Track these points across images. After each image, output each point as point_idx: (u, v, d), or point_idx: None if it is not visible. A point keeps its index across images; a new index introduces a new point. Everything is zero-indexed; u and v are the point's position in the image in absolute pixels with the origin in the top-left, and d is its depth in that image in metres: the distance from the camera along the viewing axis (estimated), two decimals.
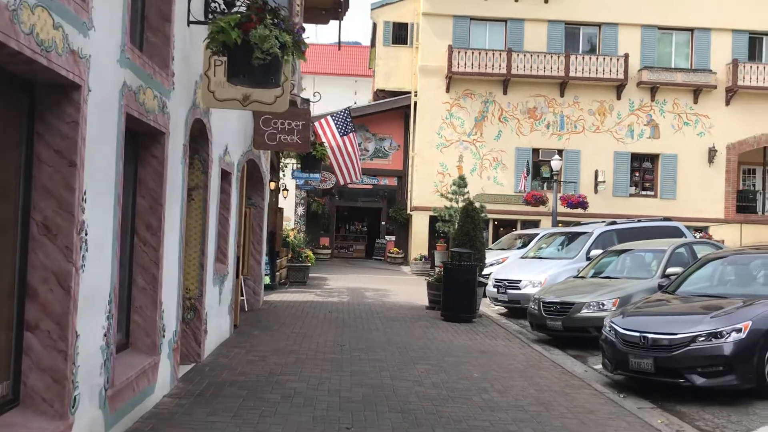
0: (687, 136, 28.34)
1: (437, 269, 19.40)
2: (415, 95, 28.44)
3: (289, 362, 8.49)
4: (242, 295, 13.04)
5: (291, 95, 11.06)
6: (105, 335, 4.87)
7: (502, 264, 17.81)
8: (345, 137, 15.26)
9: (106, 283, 4.85)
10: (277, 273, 18.21)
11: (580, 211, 26.64)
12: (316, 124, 15.79)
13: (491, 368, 8.75)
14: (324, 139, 15.11)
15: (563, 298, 11.44)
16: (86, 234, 4.41)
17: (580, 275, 12.92)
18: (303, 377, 7.69)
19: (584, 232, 16.05)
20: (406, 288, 19.37)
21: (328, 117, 15.47)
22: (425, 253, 26.99)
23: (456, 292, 13.01)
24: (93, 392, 4.69)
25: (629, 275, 12.16)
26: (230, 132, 9.52)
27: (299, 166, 17.43)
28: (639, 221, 16.78)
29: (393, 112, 30.01)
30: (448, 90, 28.04)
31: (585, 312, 11.02)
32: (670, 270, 11.54)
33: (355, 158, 15.52)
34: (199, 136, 8.02)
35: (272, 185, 16.76)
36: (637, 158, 28.56)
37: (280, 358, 8.74)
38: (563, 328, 11.17)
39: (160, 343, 6.34)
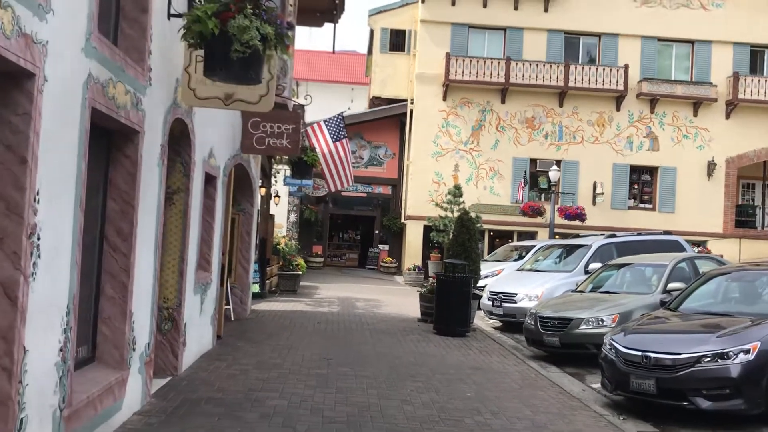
0: (686, 149, 28.02)
1: (431, 280, 18.98)
2: (412, 103, 28.09)
3: (272, 377, 8.04)
4: (228, 304, 12.59)
5: (282, 98, 10.68)
6: (61, 350, 4.42)
7: (498, 276, 17.39)
8: (337, 143, 14.84)
9: (62, 292, 4.41)
10: (267, 281, 17.77)
11: (577, 223, 26.25)
12: (309, 129, 15.39)
13: (485, 387, 8.32)
14: (316, 145, 14.69)
15: (561, 313, 11.02)
16: (39, 239, 3.97)
17: (578, 289, 12.51)
18: (285, 394, 7.24)
19: (583, 245, 15.64)
20: (399, 299, 18.93)
21: (321, 122, 15.06)
22: (419, 263, 26.57)
23: (449, 304, 12.57)
24: (44, 413, 4.24)
25: (629, 290, 11.76)
26: (216, 134, 9.10)
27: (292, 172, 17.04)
28: (639, 234, 16.40)
29: (389, 119, 29.66)
30: (445, 98, 27.68)
31: (583, 328, 10.61)
32: (671, 285, 11.16)
33: (347, 164, 15.10)
34: (180, 137, 7.60)
35: (263, 191, 16.35)
36: (636, 170, 28.22)
37: (263, 372, 8.29)
38: (561, 344, 10.75)
39: (129, 356, 5.90)
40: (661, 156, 28.00)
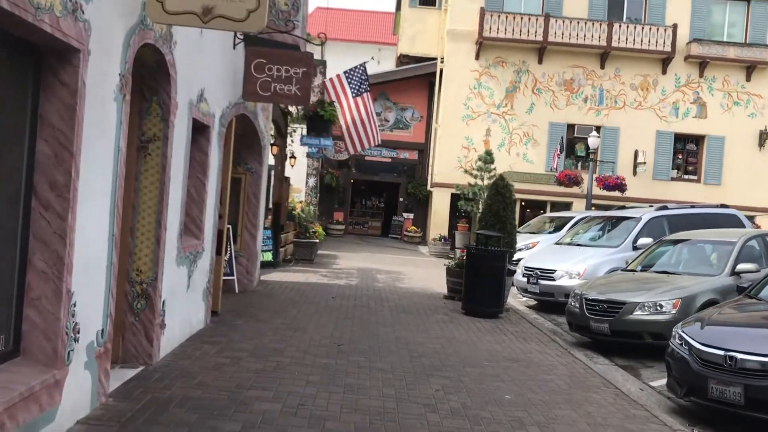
0: (737, 116, 25.95)
1: (458, 252, 17.52)
2: (442, 62, 26.29)
3: (268, 368, 6.62)
4: (232, 275, 11.24)
5: (292, 36, 9.14)
6: None
7: (533, 250, 15.82)
8: (358, 98, 13.26)
9: None
10: (282, 249, 16.40)
11: (617, 194, 24.47)
12: (327, 83, 13.83)
13: (526, 386, 6.84)
14: (334, 99, 13.13)
15: (610, 295, 9.48)
16: None
17: (628, 268, 10.92)
18: (280, 394, 5.81)
19: (630, 218, 13.94)
20: (423, 271, 17.47)
21: (341, 74, 13.48)
22: (445, 233, 25.03)
23: (481, 281, 11.06)
24: None
25: (688, 270, 10.15)
26: (208, 73, 7.60)
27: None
28: (692, 207, 14.67)
29: (417, 79, 27.91)
30: (477, 57, 25.82)
31: (638, 314, 9.06)
32: (740, 267, 9.61)
33: (369, 122, 13.54)
34: (157, 71, 6.12)
35: (275, 150, 14.87)
36: (680, 139, 26.22)
37: (258, 361, 6.88)
38: (611, 331, 9.22)
39: (68, 349, 4.49)
40: (709, 124, 25.98)
